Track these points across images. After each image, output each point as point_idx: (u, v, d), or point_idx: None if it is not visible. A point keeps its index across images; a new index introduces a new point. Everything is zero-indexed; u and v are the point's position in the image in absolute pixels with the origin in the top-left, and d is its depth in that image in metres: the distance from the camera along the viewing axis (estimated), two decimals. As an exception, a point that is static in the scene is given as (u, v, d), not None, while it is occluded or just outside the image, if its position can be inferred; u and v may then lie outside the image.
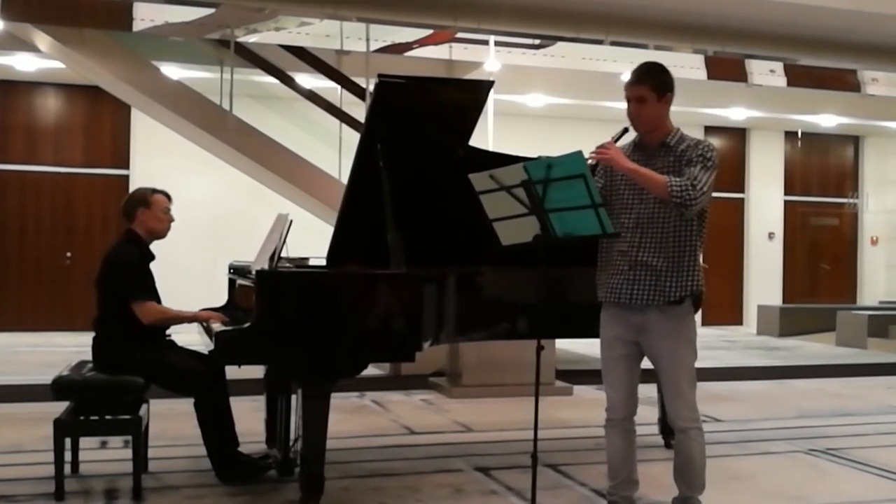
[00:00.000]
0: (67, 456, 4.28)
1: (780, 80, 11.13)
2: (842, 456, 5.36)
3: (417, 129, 4.41)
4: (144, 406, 4.36)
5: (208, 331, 4.36)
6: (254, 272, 3.97)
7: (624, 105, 3.60)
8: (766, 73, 10.98)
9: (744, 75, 10.98)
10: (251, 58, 9.05)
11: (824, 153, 15.86)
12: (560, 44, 9.76)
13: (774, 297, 15.04)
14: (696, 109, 13.05)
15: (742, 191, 15.24)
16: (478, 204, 3.42)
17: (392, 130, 4.31)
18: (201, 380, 4.33)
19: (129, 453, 4.24)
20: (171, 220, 4.61)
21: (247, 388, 5.18)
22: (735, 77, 11.01)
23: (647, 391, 3.86)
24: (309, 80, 9.64)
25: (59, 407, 4.33)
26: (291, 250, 4.59)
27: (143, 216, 4.51)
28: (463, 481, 4.62)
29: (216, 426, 4.37)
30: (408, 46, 9.59)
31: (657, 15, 8.00)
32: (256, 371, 4.76)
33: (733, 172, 15.10)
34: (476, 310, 4.39)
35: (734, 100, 12.69)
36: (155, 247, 4.60)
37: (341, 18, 8.21)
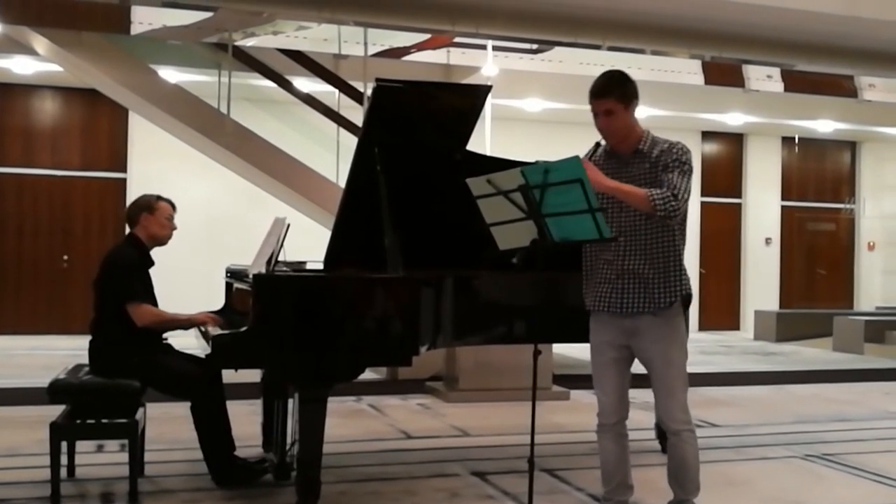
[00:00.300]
0: (64, 459, 4.28)
1: (778, 86, 11.16)
2: (838, 461, 5.36)
3: (415, 133, 4.42)
4: (141, 410, 4.36)
5: (205, 334, 4.36)
6: (251, 276, 3.97)
7: None
8: (764, 78, 11.00)
9: (741, 81, 10.99)
10: (249, 61, 9.06)
11: (821, 158, 15.88)
12: (558, 49, 9.76)
13: (771, 303, 15.06)
14: (693, 115, 13.09)
15: (739, 196, 15.26)
16: (475, 208, 3.42)
17: (389, 134, 4.32)
18: (198, 383, 4.33)
19: (125, 457, 4.24)
20: (174, 228, 4.63)
21: (243, 391, 5.18)
22: (732, 82, 11.02)
23: (644, 396, 3.86)
24: (306, 83, 9.65)
25: (56, 410, 4.31)
26: (289, 254, 4.58)
27: (147, 221, 4.53)
28: (459, 486, 4.61)
29: (213, 430, 4.37)
30: (406, 51, 9.60)
31: (654, 20, 8.01)
32: (253, 375, 4.76)
33: (730, 178, 15.14)
34: (473, 314, 4.38)
35: (731, 105, 12.71)
36: (153, 250, 4.61)
37: (339, 22, 8.22)
